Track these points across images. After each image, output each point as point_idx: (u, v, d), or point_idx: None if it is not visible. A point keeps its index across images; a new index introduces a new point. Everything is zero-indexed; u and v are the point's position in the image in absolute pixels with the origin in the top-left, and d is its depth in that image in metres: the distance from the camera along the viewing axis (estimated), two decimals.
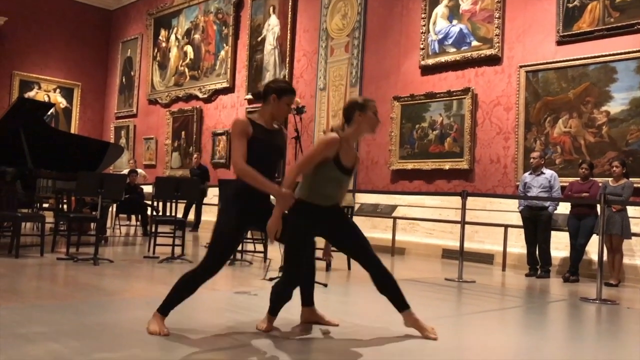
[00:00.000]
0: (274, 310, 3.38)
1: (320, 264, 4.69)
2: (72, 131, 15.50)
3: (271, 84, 3.42)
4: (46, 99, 15.39)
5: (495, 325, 4.15)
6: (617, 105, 7.29)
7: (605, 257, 5.94)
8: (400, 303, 3.35)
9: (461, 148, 8.67)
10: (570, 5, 7.73)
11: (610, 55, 7.34)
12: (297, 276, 3.30)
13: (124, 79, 16.29)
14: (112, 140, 15.33)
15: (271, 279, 5.14)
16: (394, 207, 9.18)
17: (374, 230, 9.19)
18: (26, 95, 14.72)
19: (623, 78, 7.25)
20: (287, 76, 11.41)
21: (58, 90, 16.11)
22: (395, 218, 9.00)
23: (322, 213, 3.26)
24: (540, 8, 8.09)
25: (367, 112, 3.26)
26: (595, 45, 7.51)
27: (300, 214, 3.21)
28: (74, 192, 7.22)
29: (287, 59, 11.46)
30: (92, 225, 8.03)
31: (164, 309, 3.22)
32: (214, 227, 3.24)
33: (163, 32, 14.96)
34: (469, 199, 6.72)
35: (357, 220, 8.82)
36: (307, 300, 3.60)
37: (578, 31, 7.64)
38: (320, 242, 3.58)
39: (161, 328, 3.15)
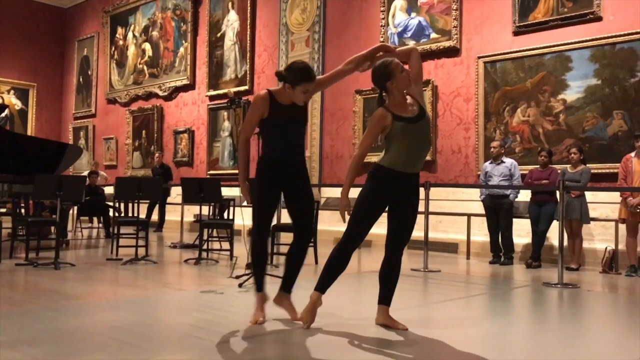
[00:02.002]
0: (326, 286, 3.44)
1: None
2: (29, 133, 15.08)
3: (285, 72, 3.41)
4: None
5: (462, 313, 4.21)
6: (573, 93, 7.45)
7: (565, 242, 6.08)
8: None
9: None
10: None
11: (565, 44, 7.50)
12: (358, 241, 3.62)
13: (81, 79, 15.92)
14: (70, 142, 14.99)
15: (237, 277, 5.09)
16: None
17: (340, 224, 9.09)
18: None
19: (578, 66, 7.41)
20: (248, 72, 11.33)
21: (12, 92, 15.64)
22: None
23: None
24: None
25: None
26: (551, 35, 7.66)
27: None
28: (31, 196, 7.02)
29: (248, 55, 11.36)
30: (53, 228, 7.82)
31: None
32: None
33: (120, 30, 14.66)
34: (432, 189, 6.79)
35: (324, 214, 8.90)
36: (287, 286, 3.65)
37: (534, 21, 7.78)
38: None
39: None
